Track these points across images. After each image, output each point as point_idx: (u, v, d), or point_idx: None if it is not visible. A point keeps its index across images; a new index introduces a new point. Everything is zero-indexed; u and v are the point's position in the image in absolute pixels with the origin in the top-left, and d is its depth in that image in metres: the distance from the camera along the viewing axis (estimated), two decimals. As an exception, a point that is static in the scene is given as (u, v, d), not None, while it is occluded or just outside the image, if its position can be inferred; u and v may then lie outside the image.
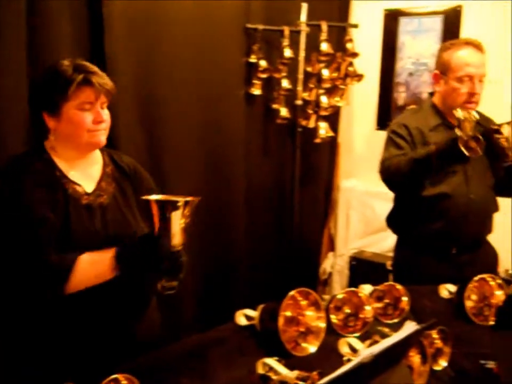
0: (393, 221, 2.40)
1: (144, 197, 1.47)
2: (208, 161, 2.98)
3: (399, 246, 2.40)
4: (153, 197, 1.45)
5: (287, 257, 3.43)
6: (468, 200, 2.17)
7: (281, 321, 1.59)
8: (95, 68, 1.55)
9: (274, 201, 3.48)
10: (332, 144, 3.71)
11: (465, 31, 3.31)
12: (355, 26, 3.30)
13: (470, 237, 2.23)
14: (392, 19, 3.56)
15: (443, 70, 2.17)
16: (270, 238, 3.48)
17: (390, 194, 3.57)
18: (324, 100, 3.18)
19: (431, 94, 2.33)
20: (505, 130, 2.07)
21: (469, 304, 1.86)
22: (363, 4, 3.66)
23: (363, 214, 3.70)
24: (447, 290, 2.04)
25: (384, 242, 3.59)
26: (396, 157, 2.15)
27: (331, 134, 3.24)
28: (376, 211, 3.61)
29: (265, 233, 3.45)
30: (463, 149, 1.85)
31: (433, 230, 2.20)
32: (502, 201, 2.36)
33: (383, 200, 3.57)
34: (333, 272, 3.82)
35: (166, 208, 1.40)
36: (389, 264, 3.38)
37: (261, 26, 3.04)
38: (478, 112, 2.28)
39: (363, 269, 3.51)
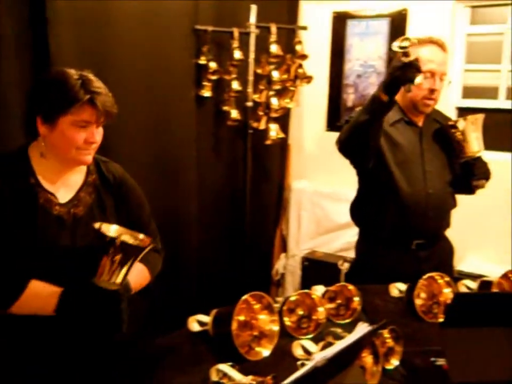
0: (355, 213, 2.42)
1: (96, 225, 1.45)
2: (159, 164, 2.94)
3: (361, 239, 2.42)
4: (109, 233, 1.43)
5: (240, 259, 3.42)
6: (426, 195, 2.20)
7: (234, 325, 1.58)
8: (102, 87, 1.50)
9: (227, 203, 3.47)
10: (282, 146, 3.73)
11: (411, 34, 3.37)
12: (304, 28, 3.32)
13: (429, 232, 2.26)
14: (340, 21, 3.61)
15: None
16: (223, 240, 3.47)
17: (341, 195, 3.63)
18: (274, 101, 3.19)
19: None
20: (461, 124, 2.15)
21: (418, 302, 1.90)
22: (311, 6, 3.69)
23: (314, 214, 3.73)
24: (397, 289, 2.07)
25: (335, 242, 3.64)
26: None
27: (282, 135, 3.25)
28: (327, 211, 3.66)
29: (217, 235, 3.44)
30: (403, 59, 1.80)
31: (393, 224, 2.23)
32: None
33: (334, 200, 3.63)
34: (286, 273, 3.84)
35: (118, 249, 1.37)
36: (340, 263, 3.43)
37: (210, 28, 3.01)
38: (438, 111, 2.34)
39: (315, 269, 3.55)
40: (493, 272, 3.06)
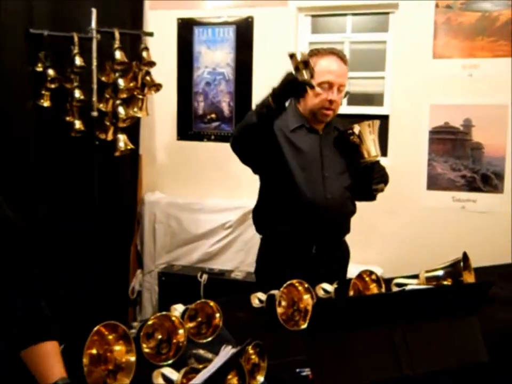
0: (255, 220, 2.37)
1: None
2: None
3: (261, 246, 2.37)
4: None
5: (94, 280, 3.19)
6: (325, 200, 2.20)
7: (85, 361, 1.42)
8: None
9: (75, 221, 3.20)
10: (133, 157, 3.56)
11: (257, 41, 3.41)
12: (150, 34, 3.20)
13: (328, 236, 2.27)
14: (186, 28, 3.54)
15: None
16: (73, 263, 3.19)
17: (196, 205, 3.56)
18: (121, 110, 3.01)
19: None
20: (357, 130, 2.17)
21: (279, 310, 1.86)
22: (156, 12, 3.59)
23: (169, 226, 3.60)
24: (258, 299, 2.03)
25: (193, 254, 3.55)
26: None
27: (130, 146, 3.08)
28: (183, 223, 3.55)
29: (67, 258, 3.15)
30: (295, 74, 1.84)
31: (293, 229, 2.21)
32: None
33: (189, 211, 3.55)
34: (143, 291, 3.67)
35: None
36: (199, 275, 3.35)
37: (46, 32, 2.78)
38: (339, 119, 2.36)
39: (173, 284, 3.42)
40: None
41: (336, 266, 2.33)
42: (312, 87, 1.89)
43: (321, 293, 2.10)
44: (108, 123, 3.10)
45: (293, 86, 1.89)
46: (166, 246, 3.60)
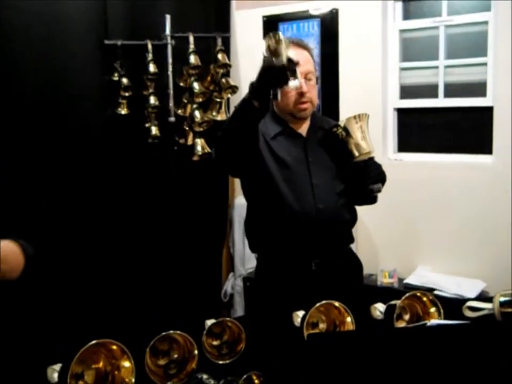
0: (248, 237, 2.20)
1: None
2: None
3: (259, 263, 2.20)
4: None
5: (187, 284, 3.23)
6: (317, 210, 1.98)
7: (90, 379, 1.38)
8: None
9: (167, 227, 3.23)
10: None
11: (342, 34, 3.20)
12: (226, 35, 3.14)
13: (326, 250, 2.05)
14: (271, 25, 3.42)
15: None
16: (167, 266, 3.24)
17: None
18: (197, 114, 2.98)
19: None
20: (342, 125, 1.95)
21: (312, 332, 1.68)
22: (241, 13, 3.52)
23: (258, 230, 3.51)
24: (298, 317, 1.86)
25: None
26: None
27: (208, 150, 3.03)
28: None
29: (162, 262, 3.21)
30: (273, 60, 1.54)
31: (287, 247, 2.02)
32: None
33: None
34: (234, 294, 3.63)
35: None
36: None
37: (120, 42, 2.84)
38: (324, 118, 2.16)
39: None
40: (442, 283, 2.88)
41: (345, 280, 2.07)
42: (293, 72, 1.58)
43: (376, 314, 1.88)
44: (186, 128, 3.10)
45: (270, 76, 1.59)
46: (255, 250, 3.51)
